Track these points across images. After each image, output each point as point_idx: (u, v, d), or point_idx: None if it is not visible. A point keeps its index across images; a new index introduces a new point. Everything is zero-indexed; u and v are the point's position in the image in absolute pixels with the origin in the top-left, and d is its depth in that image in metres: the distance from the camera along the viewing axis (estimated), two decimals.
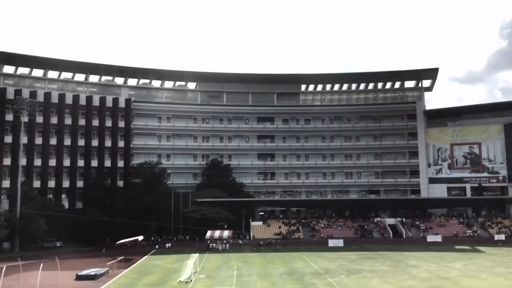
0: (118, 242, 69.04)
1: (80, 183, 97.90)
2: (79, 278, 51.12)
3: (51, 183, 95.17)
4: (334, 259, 64.85)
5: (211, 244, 79.22)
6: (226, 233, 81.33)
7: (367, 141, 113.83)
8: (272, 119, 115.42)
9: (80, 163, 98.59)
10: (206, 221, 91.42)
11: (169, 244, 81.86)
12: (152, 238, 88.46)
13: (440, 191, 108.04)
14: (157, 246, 79.99)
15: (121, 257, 62.14)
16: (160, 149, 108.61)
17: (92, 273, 51.51)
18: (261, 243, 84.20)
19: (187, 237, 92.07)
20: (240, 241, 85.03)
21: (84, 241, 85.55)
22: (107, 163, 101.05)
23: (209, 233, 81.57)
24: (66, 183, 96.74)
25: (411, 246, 79.38)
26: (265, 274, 52.00)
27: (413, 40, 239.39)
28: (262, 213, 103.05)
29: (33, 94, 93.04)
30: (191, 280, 48.48)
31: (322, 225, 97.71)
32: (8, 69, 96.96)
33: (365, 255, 68.45)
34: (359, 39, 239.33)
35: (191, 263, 50.89)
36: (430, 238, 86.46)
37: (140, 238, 76.15)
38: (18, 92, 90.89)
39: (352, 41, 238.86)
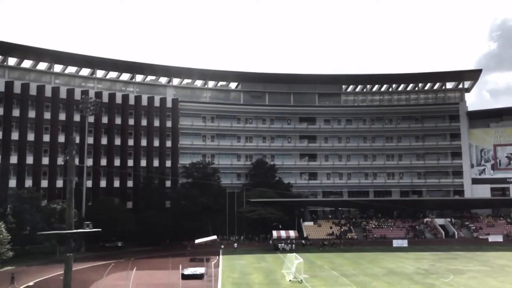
0: (196, 242, 68.79)
1: (130, 183, 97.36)
2: (185, 277, 50.86)
3: (103, 183, 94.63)
4: (416, 259, 65.11)
5: (279, 245, 79.11)
6: (291, 233, 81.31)
7: (409, 141, 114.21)
8: (313, 120, 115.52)
9: (130, 162, 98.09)
10: (261, 221, 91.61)
11: (236, 244, 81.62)
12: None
13: (483, 192, 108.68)
14: (222, 246, 79.66)
15: (203, 257, 62.08)
16: (206, 149, 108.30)
17: (199, 273, 51.34)
18: (326, 243, 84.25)
19: (250, 237, 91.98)
20: (302, 241, 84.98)
21: (143, 241, 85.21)
22: (155, 163, 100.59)
23: (275, 233, 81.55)
24: (116, 183, 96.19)
25: (476, 246, 79.91)
26: (370, 274, 52.11)
27: (403, 42, 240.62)
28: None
29: (84, 93, 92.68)
30: (301, 280, 48.44)
31: (373, 226, 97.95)
32: (58, 68, 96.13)
33: (442, 256, 68.80)
34: (355, 40, 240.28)
35: (296, 263, 50.81)
36: (492, 238, 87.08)
37: (215, 237, 75.93)
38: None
39: (345, 43, 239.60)
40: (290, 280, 48.94)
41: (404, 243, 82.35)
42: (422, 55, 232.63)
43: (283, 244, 79.17)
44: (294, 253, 55.93)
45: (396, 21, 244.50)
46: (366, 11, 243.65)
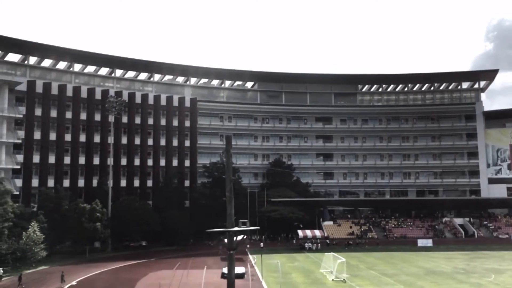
0: (226, 241, 68.65)
1: (149, 183, 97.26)
2: (225, 276, 50.79)
3: (123, 182, 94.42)
4: (447, 259, 65.36)
5: (306, 244, 79.17)
6: (317, 233, 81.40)
7: (426, 141, 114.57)
8: (330, 119, 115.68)
9: (149, 162, 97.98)
10: (283, 221, 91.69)
11: (262, 244, 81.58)
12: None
13: (499, 191, 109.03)
14: (248, 246, 79.61)
15: (237, 257, 61.98)
16: (223, 148, 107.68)
17: (240, 272, 51.27)
18: (351, 242, 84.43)
19: (272, 237, 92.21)
20: (327, 241, 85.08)
21: (166, 240, 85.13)
22: (175, 162, 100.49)
23: (300, 233, 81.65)
24: (136, 182, 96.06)
25: (499, 246, 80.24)
26: (410, 274, 52.32)
27: (399, 42, 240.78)
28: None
29: (105, 92, 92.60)
30: (344, 280, 48.54)
31: (393, 225, 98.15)
32: (77, 67, 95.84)
33: (471, 255, 69.14)
34: (351, 40, 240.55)
35: (338, 262, 50.91)
36: None
37: (244, 237, 75.74)
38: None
39: (341, 43, 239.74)
40: (332, 280, 49.01)
41: (428, 242, 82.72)
42: (419, 55, 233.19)
43: (310, 244, 79.18)
44: (332, 253, 56.00)
45: (392, 21, 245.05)
46: (363, 11, 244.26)
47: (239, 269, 52.62)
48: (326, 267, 54.24)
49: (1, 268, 51.30)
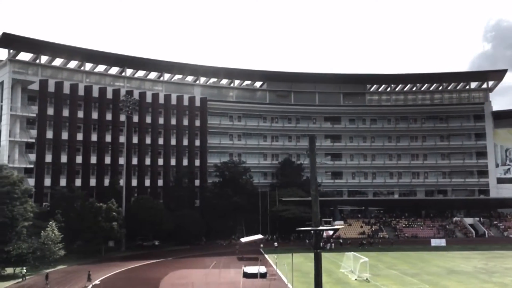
0: (243, 241, 68.83)
1: (160, 182, 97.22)
2: (248, 276, 50.96)
3: (134, 182, 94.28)
4: (465, 258, 65.49)
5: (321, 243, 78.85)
6: (331, 233, 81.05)
7: (434, 141, 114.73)
8: (338, 119, 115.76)
9: (160, 161, 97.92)
10: (295, 221, 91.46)
11: (276, 243, 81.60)
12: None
13: (508, 191, 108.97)
14: (261, 245, 79.51)
15: (251, 256, 62.30)
16: (233, 148, 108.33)
17: (262, 271, 51.40)
18: (364, 242, 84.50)
19: (283, 236, 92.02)
20: (340, 240, 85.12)
21: (178, 240, 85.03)
22: (185, 161, 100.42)
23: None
24: (147, 182, 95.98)
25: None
26: (432, 273, 52.42)
27: (397, 42, 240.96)
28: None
29: (116, 92, 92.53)
30: (367, 279, 48.59)
31: (403, 225, 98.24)
32: (87, 66, 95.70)
33: (488, 255, 69.32)
34: (348, 40, 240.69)
35: (360, 262, 50.95)
36: None
37: (262, 236, 75.97)
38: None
39: (339, 42, 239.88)
40: (355, 279, 49.05)
41: (442, 242, 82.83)
42: (416, 55, 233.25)
43: (323, 243, 78.86)
44: (352, 252, 56.05)
45: (390, 21, 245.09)
46: (363, 11, 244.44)
47: (260, 269, 52.81)
48: (346, 267, 54.18)
49: (24, 268, 51.24)
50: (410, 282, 46.92)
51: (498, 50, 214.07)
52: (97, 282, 48.63)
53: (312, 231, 21.56)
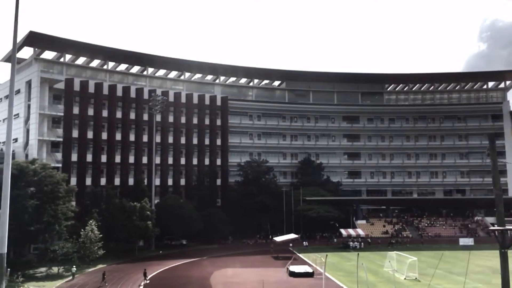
0: (277, 241, 68.71)
1: (182, 181, 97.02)
2: (294, 275, 50.87)
3: (157, 181, 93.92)
4: (494, 257, 65.22)
5: (350, 243, 79.20)
6: (360, 232, 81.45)
7: (453, 140, 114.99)
8: (357, 118, 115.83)
9: (182, 161, 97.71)
10: (320, 220, 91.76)
11: (306, 243, 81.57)
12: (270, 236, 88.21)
13: None
14: (291, 245, 79.31)
15: (287, 255, 62.25)
16: (253, 147, 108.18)
17: (310, 271, 51.36)
18: (393, 241, 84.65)
19: (308, 235, 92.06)
20: (368, 240, 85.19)
21: (204, 239, 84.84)
22: (206, 161, 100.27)
23: (344, 231, 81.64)
24: (170, 181, 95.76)
25: None
26: (478, 272, 52.47)
27: (393, 42, 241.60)
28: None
29: (139, 91, 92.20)
30: (417, 278, 48.63)
31: (426, 224, 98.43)
32: (110, 65, 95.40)
33: None
34: (346, 40, 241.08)
35: (409, 261, 50.98)
36: None
37: (296, 236, 75.91)
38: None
39: (338, 42, 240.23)
40: (405, 278, 49.05)
41: (470, 241, 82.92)
42: (412, 55, 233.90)
43: (355, 243, 79.22)
44: (395, 251, 56.04)
45: (389, 21, 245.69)
46: (363, 11, 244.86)
47: (306, 268, 52.77)
48: (390, 266, 54.18)
49: (74, 266, 51.01)
50: (461, 281, 46.90)
51: (494, 50, 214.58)
52: (147, 281, 48.42)
53: (497, 231, 21.38)
